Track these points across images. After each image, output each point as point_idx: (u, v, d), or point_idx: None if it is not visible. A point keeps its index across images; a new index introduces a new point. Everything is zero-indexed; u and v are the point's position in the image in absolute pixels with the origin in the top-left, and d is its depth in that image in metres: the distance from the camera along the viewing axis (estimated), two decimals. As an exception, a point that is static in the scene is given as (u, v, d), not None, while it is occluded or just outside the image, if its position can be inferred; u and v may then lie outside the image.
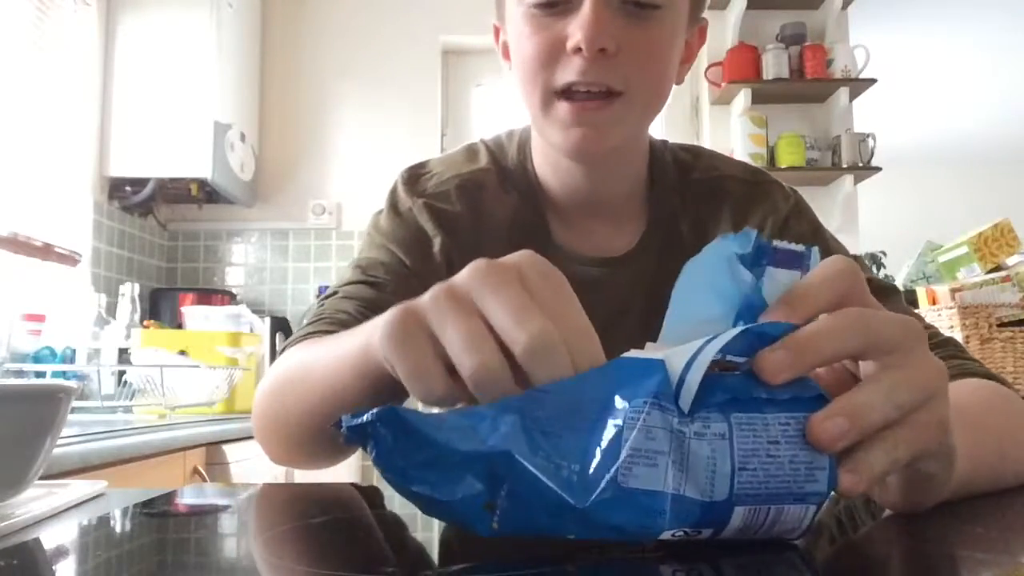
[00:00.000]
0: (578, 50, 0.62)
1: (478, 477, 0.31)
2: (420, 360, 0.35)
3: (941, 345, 0.65)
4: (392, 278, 0.71)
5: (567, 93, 0.65)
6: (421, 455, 0.31)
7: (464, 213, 0.75)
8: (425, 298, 0.35)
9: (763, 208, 0.75)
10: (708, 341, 0.33)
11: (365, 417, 0.32)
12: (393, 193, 0.78)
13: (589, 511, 0.31)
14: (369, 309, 0.67)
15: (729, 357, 0.33)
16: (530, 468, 0.31)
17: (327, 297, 0.72)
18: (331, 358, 0.52)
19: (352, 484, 0.60)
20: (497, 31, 0.76)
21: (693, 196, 0.77)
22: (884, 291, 0.70)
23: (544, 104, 0.66)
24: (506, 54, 0.74)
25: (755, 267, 0.36)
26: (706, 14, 0.74)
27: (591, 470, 0.31)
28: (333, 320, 0.68)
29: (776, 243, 0.37)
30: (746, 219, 0.74)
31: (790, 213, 0.75)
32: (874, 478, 0.33)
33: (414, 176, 0.78)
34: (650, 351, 0.35)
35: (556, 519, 0.31)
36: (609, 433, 0.31)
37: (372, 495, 0.55)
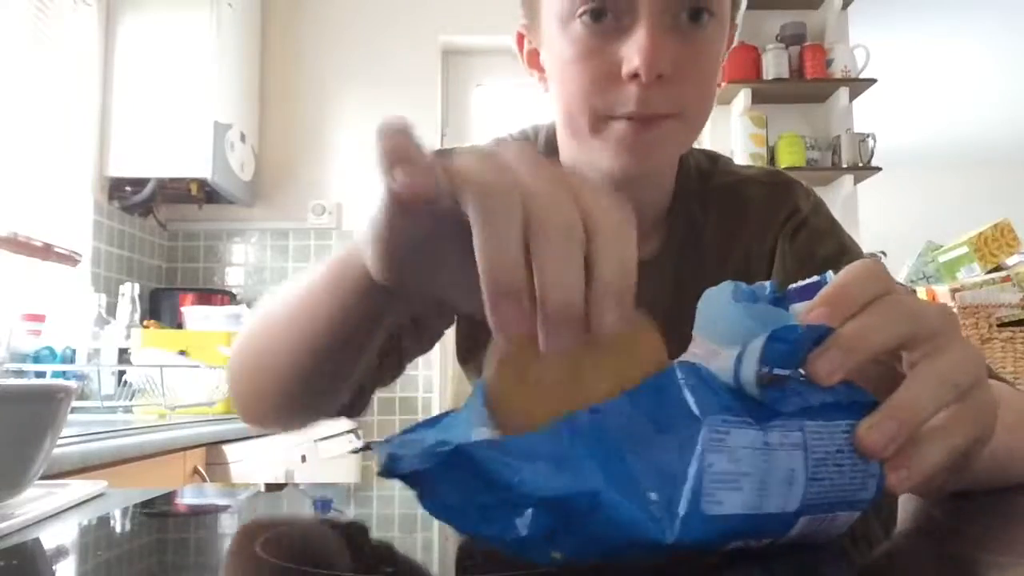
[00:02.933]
0: (634, 76, 0.59)
1: (552, 515, 0.28)
2: (507, 245, 0.28)
3: None
4: None
5: (623, 117, 0.61)
6: (489, 497, 0.29)
7: None
8: (528, 177, 0.30)
9: (785, 208, 0.75)
10: (746, 345, 0.31)
11: (423, 463, 0.29)
12: None
13: (671, 544, 0.29)
14: None
15: (774, 370, 0.32)
16: (613, 506, 0.28)
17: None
18: (304, 290, 0.48)
19: (352, 484, 0.60)
20: (521, 39, 0.72)
21: (715, 201, 0.76)
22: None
23: (594, 127, 0.63)
24: (532, 63, 0.70)
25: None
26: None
27: (674, 501, 0.29)
28: None
29: (791, 286, 0.37)
30: (769, 221, 0.74)
31: (810, 212, 0.75)
32: (926, 472, 0.32)
33: None
34: (691, 356, 0.33)
35: (630, 549, 0.29)
36: (690, 456, 0.29)
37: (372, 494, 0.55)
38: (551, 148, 0.76)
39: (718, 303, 0.35)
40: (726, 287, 0.35)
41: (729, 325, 0.33)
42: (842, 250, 0.73)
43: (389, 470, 0.30)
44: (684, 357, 0.33)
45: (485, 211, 0.29)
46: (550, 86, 0.68)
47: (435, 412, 2.83)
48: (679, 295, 0.73)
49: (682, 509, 0.29)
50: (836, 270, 0.71)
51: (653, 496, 0.29)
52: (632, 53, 0.59)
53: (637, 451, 0.29)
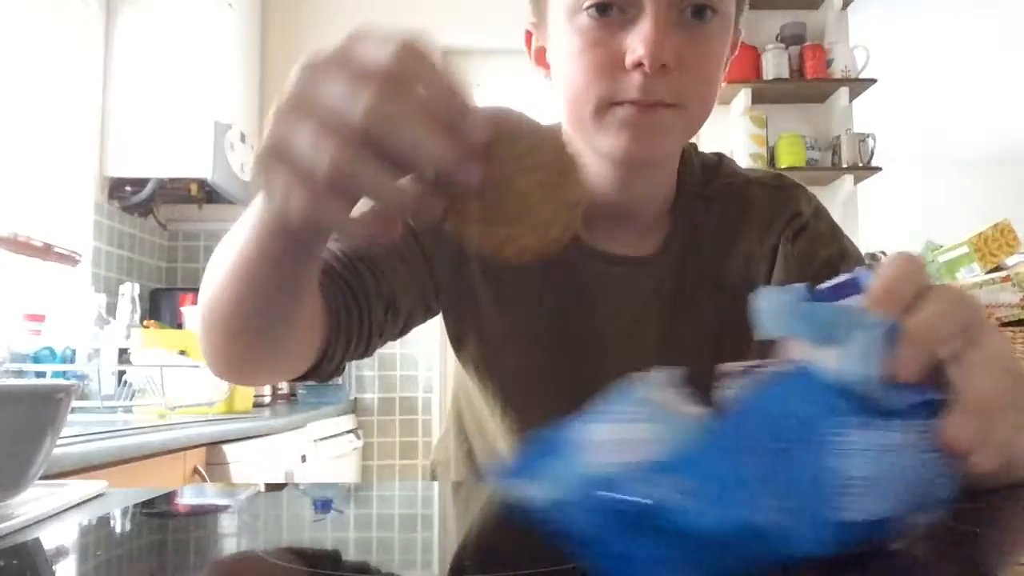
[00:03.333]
0: (638, 65, 0.61)
1: (706, 549, 0.28)
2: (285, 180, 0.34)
3: None
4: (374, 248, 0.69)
5: (624, 102, 0.63)
6: (634, 545, 0.28)
7: None
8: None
9: (787, 211, 0.75)
10: (851, 343, 0.31)
11: (557, 504, 0.29)
12: None
13: (809, 552, 0.29)
14: (354, 255, 0.66)
15: None
16: (760, 532, 0.28)
17: None
18: (236, 234, 0.49)
19: (352, 484, 0.60)
20: (529, 37, 0.74)
21: (717, 200, 0.76)
22: None
23: (598, 113, 0.64)
24: (540, 60, 0.72)
25: None
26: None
27: (811, 512, 0.29)
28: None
29: (825, 284, 0.37)
30: (771, 223, 0.74)
31: (812, 215, 0.76)
32: (999, 448, 0.33)
33: None
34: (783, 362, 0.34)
35: (763, 561, 0.29)
36: (826, 464, 0.29)
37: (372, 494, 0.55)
38: None
39: (790, 304, 0.34)
40: (785, 289, 0.35)
41: (815, 325, 0.33)
42: (842, 253, 0.74)
43: (533, 507, 0.30)
44: (778, 360, 0.34)
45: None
46: (555, 82, 0.69)
47: (435, 412, 2.84)
48: (680, 290, 0.74)
49: (819, 517, 0.29)
50: (837, 273, 0.72)
51: (788, 505, 0.28)
52: (637, 43, 0.61)
53: (770, 462, 0.29)
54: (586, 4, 0.62)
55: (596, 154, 0.68)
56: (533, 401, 0.76)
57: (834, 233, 0.76)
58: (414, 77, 0.35)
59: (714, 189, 0.77)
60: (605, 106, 0.64)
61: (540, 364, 0.74)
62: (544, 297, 0.74)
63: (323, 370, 0.63)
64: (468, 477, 0.88)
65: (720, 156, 0.81)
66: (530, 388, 0.76)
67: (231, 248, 0.49)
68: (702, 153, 0.80)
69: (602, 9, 0.62)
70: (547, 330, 0.74)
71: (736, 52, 0.72)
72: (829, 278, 0.69)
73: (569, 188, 0.36)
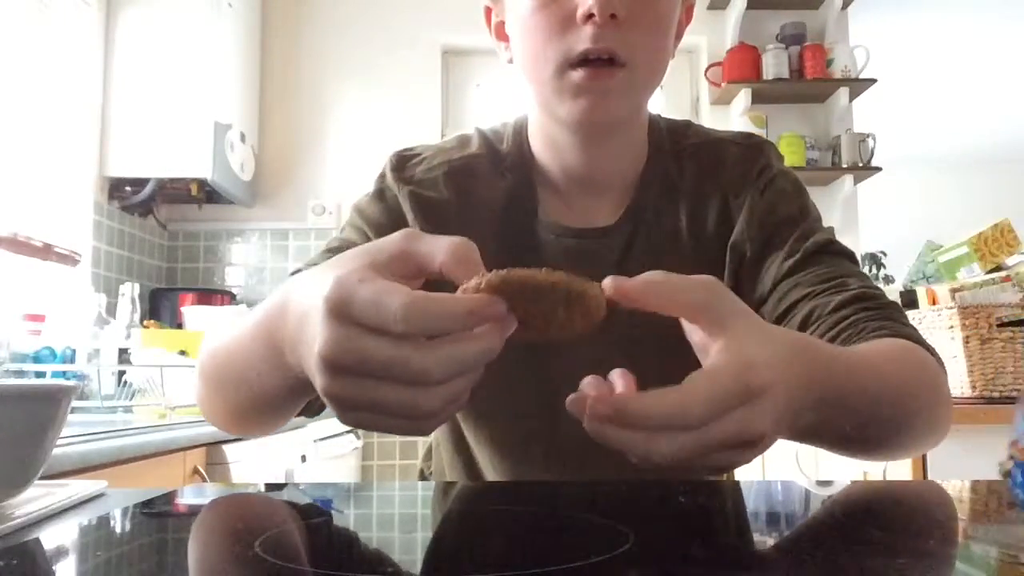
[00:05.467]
0: (589, 16, 0.64)
1: None
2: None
3: (884, 307, 0.65)
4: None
5: (581, 63, 0.66)
6: None
7: (451, 200, 0.75)
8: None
9: (758, 164, 0.77)
10: None
11: None
12: (381, 178, 0.78)
13: None
14: None
15: None
16: None
17: (292, 275, 0.66)
18: (247, 342, 0.51)
19: (352, 484, 0.60)
20: (489, 12, 0.77)
21: (690, 157, 0.78)
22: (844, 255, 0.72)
23: (557, 74, 0.67)
24: (500, 35, 0.75)
25: None
26: (706, 14, 0.75)
27: None
28: None
29: None
30: (744, 176, 0.76)
31: (779, 171, 0.77)
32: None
33: (402, 161, 0.78)
34: None
35: None
36: None
37: (371, 494, 0.55)
38: (519, 135, 0.80)
39: None
40: None
41: None
42: (803, 212, 0.75)
43: None
44: None
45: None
46: (515, 52, 0.72)
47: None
48: (627, 259, 0.75)
49: None
50: (795, 229, 0.73)
51: None
52: None
53: None
54: None
55: (559, 124, 0.72)
56: (499, 393, 0.76)
57: (797, 191, 0.77)
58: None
59: (685, 147, 0.79)
60: (562, 68, 0.67)
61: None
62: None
63: (313, 409, 0.65)
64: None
65: (688, 121, 0.83)
66: (494, 380, 0.77)
67: (232, 356, 0.52)
68: (669, 119, 0.82)
69: None
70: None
71: (690, 21, 0.76)
72: (788, 234, 0.70)
73: (588, 300, 0.39)
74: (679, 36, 0.74)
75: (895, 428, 0.53)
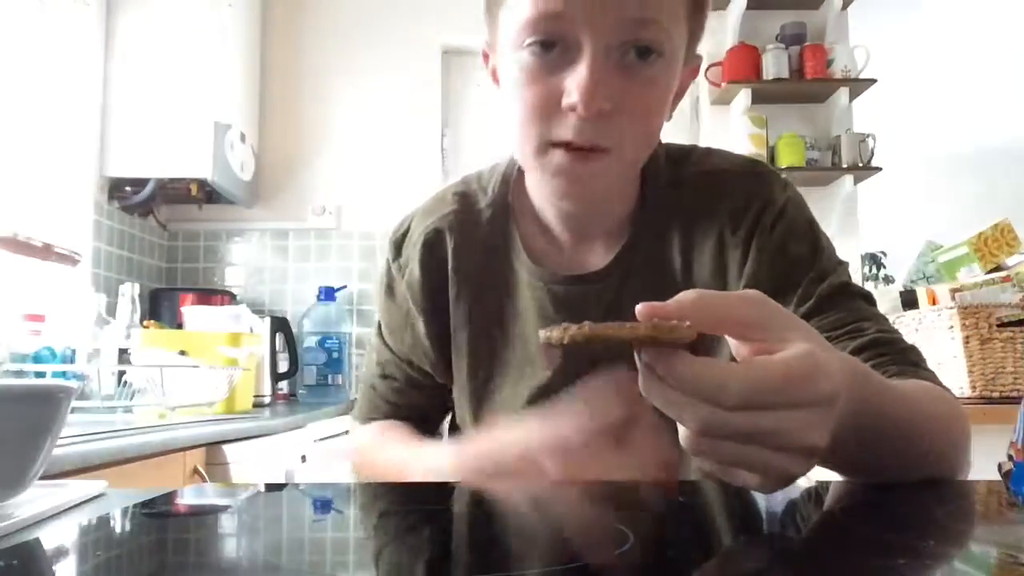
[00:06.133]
0: (574, 108, 0.61)
1: None
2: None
3: (902, 351, 0.65)
4: (400, 375, 0.86)
5: (561, 144, 0.64)
6: None
7: (434, 272, 0.79)
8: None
9: (759, 199, 0.73)
10: None
11: None
12: (387, 273, 0.83)
13: None
14: (396, 401, 0.88)
15: None
16: None
17: (368, 386, 0.89)
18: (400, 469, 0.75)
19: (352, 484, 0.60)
20: (487, 56, 0.76)
21: (688, 190, 0.75)
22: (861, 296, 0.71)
23: (538, 153, 0.66)
24: (496, 80, 0.74)
25: None
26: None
27: None
28: (380, 407, 0.89)
29: None
30: (744, 211, 0.72)
31: (787, 205, 0.73)
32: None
33: (397, 245, 0.82)
34: None
35: None
36: None
37: (371, 494, 0.55)
38: (506, 184, 0.80)
39: None
40: None
41: None
42: (815, 250, 0.72)
43: None
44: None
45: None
46: (505, 108, 0.71)
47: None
48: (619, 303, 0.74)
49: None
50: (809, 271, 0.72)
51: None
52: (572, 87, 0.61)
53: None
54: (527, 40, 0.63)
55: (544, 192, 0.73)
56: (502, 390, 0.79)
57: (807, 225, 0.74)
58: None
59: (684, 176, 0.76)
60: (544, 146, 0.65)
61: (499, 387, 0.79)
62: (500, 323, 0.79)
63: None
64: None
65: (692, 146, 0.80)
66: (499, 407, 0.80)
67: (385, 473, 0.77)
68: (670, 145, 0.79)
69: (545, 46, 0.62)
70: (499, 353, 0.79)
71: (695, 77, 0.73)
72: (801, 277, 0.70)
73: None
74: (679, 95, 0.71)
75: (925, 465, 0.53)
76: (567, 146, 0.63)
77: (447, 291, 0.79)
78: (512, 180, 0.80)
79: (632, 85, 0.62)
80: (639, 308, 0.39)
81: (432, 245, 0.79)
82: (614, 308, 0.75)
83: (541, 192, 0.75)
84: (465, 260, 0.78)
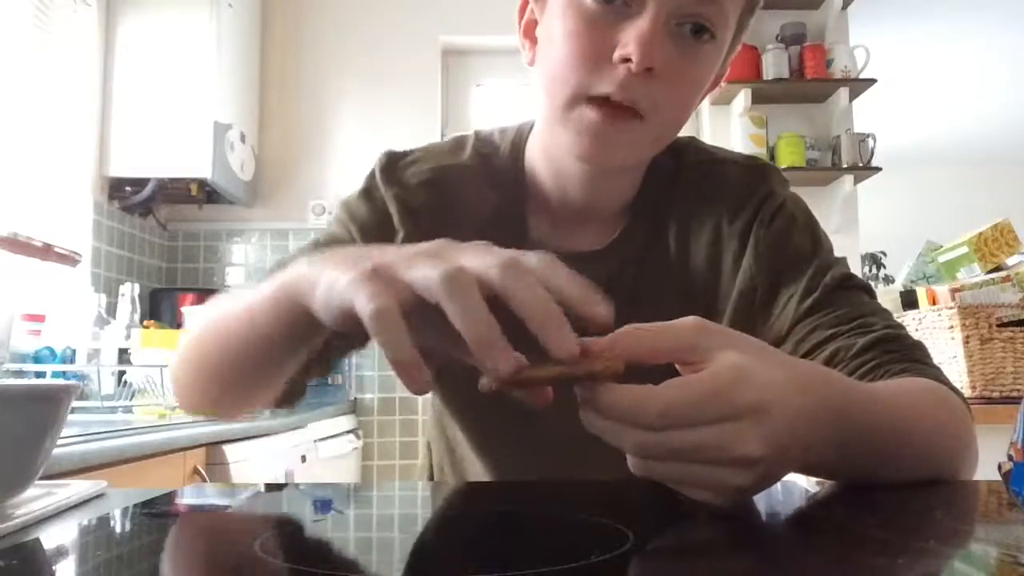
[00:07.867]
0: (625, 61, 0.60)
1: None
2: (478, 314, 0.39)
3: (909, 348, 0.65)
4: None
5: (597, 100, 0.62)
6: None
7: (436, 207, 0.73)
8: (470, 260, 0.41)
9: (761, 190, 0.73)
10: None
11: None
12: (370, 177, 0.77)
13: None
14: None
15: None
16: None
17: (278, 264, 0.67)
18: (246, 305, 0.54)
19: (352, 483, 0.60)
20: (525, 5, 0.72)
21: (687, 179, 0.75)
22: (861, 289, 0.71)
23: (569, 105, 0.64)
24: (528, 32, 0.71)
25: None
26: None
27: None
28: None
29: None
30: (744, 201, 0.72)
31: (787, 199, 0.74)
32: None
33: (392, 162, 0.76)
34: None
35: None
36: None
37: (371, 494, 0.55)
38: (516, 150, 0.77)
39: None
40: None
41: None
42: (815, 244, 0.72)
43: None
44: None
45: (452, 298, 0.39)
46: (539, 58, 0.69)
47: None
48: (638, 283, 0.73)
49: None
50: (811, 264, 0.71)
51: None
52: (630, 38, 0.60)
53: None
54: None
55: (562, 150, 0.69)
56: (489, 414, 0.76)
57: (806, 220, 0.74)
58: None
59: (683, 166, 0.76)
60: (577, 99, 0.63)
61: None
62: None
63: (289, 400, 0.67)
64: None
65: (691, 138, 0.80)
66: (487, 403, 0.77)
67: (229, 325, 0.56)
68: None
69: None
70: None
71: (716, 87, 0.72)
72: (802, 270, 0.69)
73: (598, 379, 0.42)
74: (711, 89, 0.70)
75: (921, 468, 0.52)
76: (603, 102, 0.62)
77: (440, 231, 0.73)
78: (523, 148, 0.77)
79: (681, 57, 0.62)
80: (559, 351, 0.39)
81: (444, 182, 0.74)
82: (608, 293, 0.74)
83: (557, 153, 0.71)
84: (470, 216, 0.74)
